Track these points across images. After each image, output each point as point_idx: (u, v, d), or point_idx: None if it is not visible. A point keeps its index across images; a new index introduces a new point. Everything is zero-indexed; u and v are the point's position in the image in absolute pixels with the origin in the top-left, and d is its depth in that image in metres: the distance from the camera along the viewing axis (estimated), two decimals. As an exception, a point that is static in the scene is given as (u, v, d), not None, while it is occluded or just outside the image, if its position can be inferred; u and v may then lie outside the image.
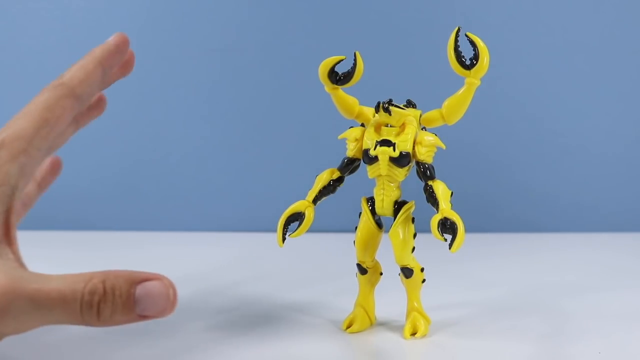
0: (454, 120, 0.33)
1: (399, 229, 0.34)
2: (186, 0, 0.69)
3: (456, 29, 0.32)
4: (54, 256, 0.51)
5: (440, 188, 0.33)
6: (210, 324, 0.37)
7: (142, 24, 0.69)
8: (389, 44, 0.69)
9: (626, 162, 0.72)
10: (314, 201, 0.34)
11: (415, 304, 0.35)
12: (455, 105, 0.33)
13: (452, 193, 0.33)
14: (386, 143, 0.33)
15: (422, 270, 0.35)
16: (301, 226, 0.34)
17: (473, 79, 0.32)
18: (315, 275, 0.50)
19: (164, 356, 0.32)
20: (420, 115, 0.34)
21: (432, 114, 0.34)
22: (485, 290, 0.46)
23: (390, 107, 0.33)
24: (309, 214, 0.34)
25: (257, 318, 0.39)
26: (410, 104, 0.34)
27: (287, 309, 0.40)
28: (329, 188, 0.35)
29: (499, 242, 0.67)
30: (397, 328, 0.36)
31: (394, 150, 0.33)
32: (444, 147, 0.33)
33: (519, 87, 0.71)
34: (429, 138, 0.33)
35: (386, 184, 0.34)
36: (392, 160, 0.33)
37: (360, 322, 0.36)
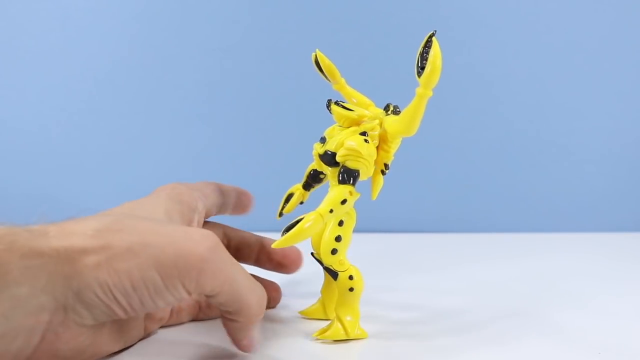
0: (405, 132, 0.31)
1: (327, 228, 0.33)
2: (186, 0, 0.69)
3: (430, 33, 0.29)
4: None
5: (333, 192, 0.31)
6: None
7: (142, 24, 0.69)
8: (387, 44, 0.70)
9: (626, 162, 0.73)
10: (304, 187, 0.37)
11: (342, 311, 0.34)
12: (404, 118, 0.31)
13: (344, 200, 0.31)
14: (322, 140, 0.33)
15: (350, 278, 0.33)
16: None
17: (421, 88, 0.29)
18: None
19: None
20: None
21: (389, 124, 0.32)
22: (484, 290, 0.46)
23: (332, 106, 0.33)
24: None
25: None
26: (387, 108, 0.33)
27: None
28: (316, 178, 0.36)
29: (498, 242, 0.67)
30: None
31: (322, 147, 0.33)
32: (362, 153, 0.31)
33: (518, 87, 0.71)
34: (348, 142, 0.31)
35: (331, 182, 0.33)
36: (320, 157, 0.33)
37: (314, 310, 0.37)
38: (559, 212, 0.73)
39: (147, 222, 0.26)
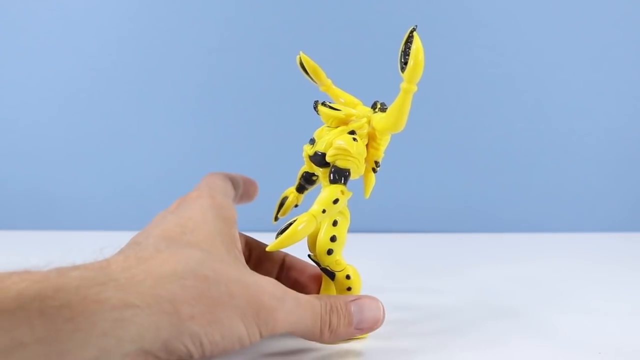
0: (393, 128, 0.31)
1: (322, 229, 0.33)
2: (185, 1, 0.69)
3: (411, 28, 0.29)
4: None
5: (325, 192, 0.31)
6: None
7: (141, 24, 0.69)
8: (387, 44, 0.70)
9: (626, 162, 0.72)
10: (298, 190, 0.37)
11: None
12: (391, 115, 0.30)
13: (336, 200, 0.31)
14: (312, 141, 0.33)
15: (347, 277, 0.34)
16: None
17: (405, 83, 0.29)
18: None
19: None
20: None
21: (377, 121, 0.32)
22: (484, 290, 0.45)
23: (319, 107, 0.33)
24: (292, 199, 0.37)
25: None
26: (375, 106, 0.33)
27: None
28: (309, 180, 0.36)
29: (498, 242, 0.67)
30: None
31: (312, 148, 0.33)
32: (351, 152, 0.31)
33: (518, 87, 0.71)
34: (337, 142, 0.31)
35: (323, 182, 0.33)
36: (310, 158, 0.33)
37: None
38: (559, 212, 0.73)
39: (227, 271, 0.27)
